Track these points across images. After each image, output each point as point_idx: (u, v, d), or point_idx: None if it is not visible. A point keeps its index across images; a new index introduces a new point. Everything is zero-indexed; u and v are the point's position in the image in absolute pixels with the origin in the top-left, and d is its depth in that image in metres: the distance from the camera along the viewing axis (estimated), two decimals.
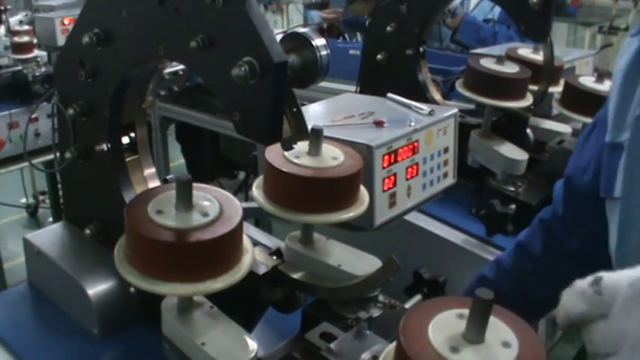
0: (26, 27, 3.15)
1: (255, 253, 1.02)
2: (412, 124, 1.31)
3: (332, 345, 1.05)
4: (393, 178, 1.27)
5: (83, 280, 1.23)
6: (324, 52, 1.32)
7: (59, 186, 3.26)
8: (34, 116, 2.81)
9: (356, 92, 2.12)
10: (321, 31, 3.61)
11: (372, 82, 2.06)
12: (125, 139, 1.25)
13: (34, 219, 4.68)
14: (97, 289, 1.22)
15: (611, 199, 1.04)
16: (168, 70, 2.99)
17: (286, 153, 1.08)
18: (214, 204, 0.97)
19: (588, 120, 1.77)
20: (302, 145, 1.07)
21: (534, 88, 1.89)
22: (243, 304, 1.09)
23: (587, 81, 1.81)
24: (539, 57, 1.99)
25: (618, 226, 1.02)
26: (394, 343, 0.72)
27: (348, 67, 2.44)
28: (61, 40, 2.96)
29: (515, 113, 1.90)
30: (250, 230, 1.22)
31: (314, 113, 1.43)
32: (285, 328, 1.20)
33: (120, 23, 1.08)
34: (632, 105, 1.00)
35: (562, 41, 6.19)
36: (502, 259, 1.40)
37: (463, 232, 1.71)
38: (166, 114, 3.39)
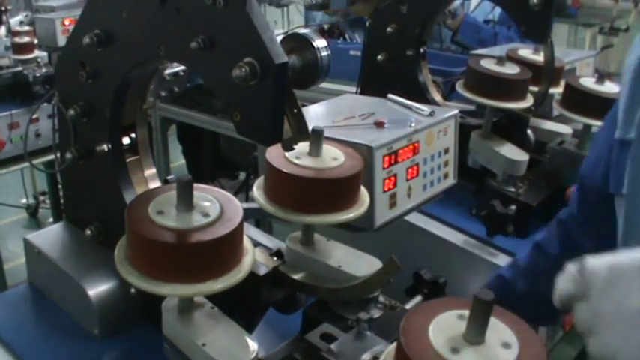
0: (27, 28, 3.15)
1: (255, 254, 1.02)
2: (413, 125, 1.31)
3: (332, 346, 1.05)
4: (393, 178, 1.27)
5: (84, 280, 1.23)
6: (324, 53, 1.33)
7: (60, 186, 3.26)
8: (34, 117, 2.80)
9: (356, 93, 2.12)
10: (322, 32, 3.61)
11: (373, 83, 2.06)
12: (126, 140, 1.25)
13: (34, 219, 4.68)
14: (98, 289, 1.22)
15: (620, 197, 1.04)
16: (169, 70, 2.98)
17: (287, 154, 1.08)
18: (215, 205, 0.97)
19: (589, 121, 1.77)
20: (302, 146, 1.07)
21: (535, 89, 1.89)
22: (243, 305, 1.09)
23: (588, 82, 1.80)
24: (539, 58, 1.99)
25: (623, 222, 1.02)
26: (395, 344, 0.73)
27: (349, 68, 2.44)
28: (61, 41, 2.96)
29: (515, 114, 1.91)
30: (251, 231, 1.22)
31: (314, 114, 1.43)
32: (285, 329, 1.20)
33: (121, 24, 1.08)
34: None
35: (562, 42, 6.19)
36: (520, 258, 1.40)
37: (463, 233, 1.71)
38: (167, 115, 3.40)
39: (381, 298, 1.16)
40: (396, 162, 1.27)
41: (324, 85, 1.56)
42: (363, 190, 1.15)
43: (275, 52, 0.87)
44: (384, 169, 1.24)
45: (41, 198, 4.64)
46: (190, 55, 0.94)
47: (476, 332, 0.69)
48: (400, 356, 0.69)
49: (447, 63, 2.66)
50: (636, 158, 0.99)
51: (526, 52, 2.05)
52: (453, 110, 1.44)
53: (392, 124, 1.31)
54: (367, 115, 1.37)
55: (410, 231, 1.71)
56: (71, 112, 1.22)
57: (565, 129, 1.99)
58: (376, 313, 1.12)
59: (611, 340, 0.71)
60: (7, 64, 3.09)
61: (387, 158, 1.24)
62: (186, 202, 0.95)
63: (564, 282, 0.77)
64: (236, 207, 0.98)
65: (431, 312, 0.73)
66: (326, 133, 1.13)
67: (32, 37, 3.09)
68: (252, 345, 0.96)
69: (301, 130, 0.97)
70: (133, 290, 1.20)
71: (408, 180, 1.31)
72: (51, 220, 4.10)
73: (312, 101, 1.52)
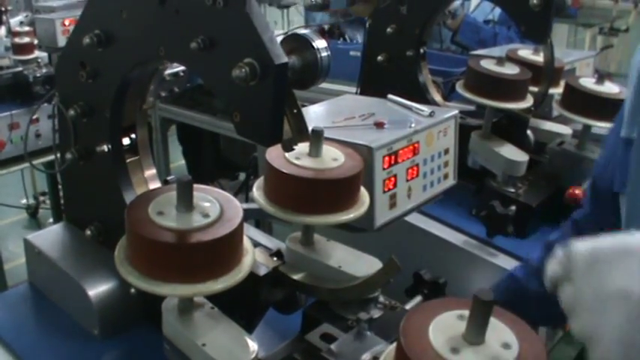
0: (27, 28, 3.15)
1: (255, 254, 1.02)
2: (412, 125, 1.31)
3: (332, 346, 1.05)
4: (393, 179, 1.27)
5: (84, 280, 1.23)
6: (324, 54, 1.33)
7: (60, 187, 3.26)
8: (34, 117, 2.80)
9: (356, 93, 2.12)
10: (322, 33, 3.61)
11: (373, 84, 2.06)
12: (126, 140, 1.25)
13: (34, 220, 4.68)
14: (98, 289, 1.22)
15: (624, 195, 1.04)
16: (169, 71, 2.98)
17: (287, 154, 1.08)
18: (215, 205, 0.97)
19: (588, 121, 1.78)
20: (302, 147, 1.07)
21: (535, 89, 1.89)
22: (243, 305, 1.09)
23: (588, 82, 1.80)
24: (539, 58, 1.99)
25: (625, 219, 1.02)
26: (394, 344, 0.73)
27: (349, 68, 2.44)
28: (61, 41, 2.96)
29: (515, 114, 1.90)
30: (251, 231, 1.22)
31: (314, 114, 1.43)
32: (285, 329, 1.20)
33: (120, 24, 1.08)
34: None
35: (562, 42, 6.19)
36: (532, 258, 1.40)
37: (463, 234, 1.71)
38: (167, 115, 3.40)
39: (381, 299, 1.16)
40: (396, 162, 1.27)
41: (324, 85, 1.56)
42: (363, 190, 1.15)
43: (275, 53, 0.87)
44: (384, 169, 1.24)
45: (41, 198, 4.64)
46: (190, 56, 0.94)
47: (476, 332, 0.69)
48: (400, 356, 0.69)
49: (447, 63, 2.66)
50: (637, 156, 0.99)
51: (526, 52, 2.05)
52: (452, 111, 1.44)
53: (392, 125, 1.31)
54: (367, 116, 1.37)
55: (410, 231, 1.71)
56: (71, 112, 1.22)
57: (565, 129, 1.99)
58: (376, 314, 1.12)
59: (589, 321, 0.73)
60: (7, 64, 3.09)
61: (387, 158, 1.24)
62: (186, 202, 0.95)
63: (553, 265, 0.80)
64: (236, 207, 0.99)
65: (431, 312, 0.73)
66: (326, 134, 1.13)
67: (32, 38, 3.09)
68: (252, 345, 0.96)
69: (301, 131, 0.97)
70: (132, 290, 1.20)
71: (408, 180, 1.31)
72: (51, 220, 4.10)
73: (312, 101, 1.52)
